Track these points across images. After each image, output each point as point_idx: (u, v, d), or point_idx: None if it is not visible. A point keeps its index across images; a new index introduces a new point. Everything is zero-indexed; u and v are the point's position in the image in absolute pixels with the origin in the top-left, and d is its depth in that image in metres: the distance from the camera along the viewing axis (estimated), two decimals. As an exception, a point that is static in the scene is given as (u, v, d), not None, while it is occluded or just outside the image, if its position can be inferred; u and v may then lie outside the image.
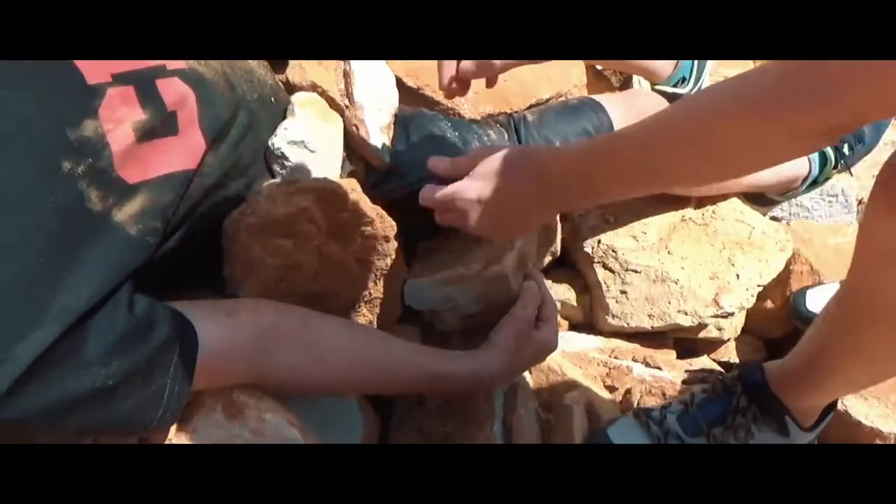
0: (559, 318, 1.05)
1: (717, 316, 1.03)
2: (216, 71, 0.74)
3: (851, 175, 1.22)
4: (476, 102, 1.05)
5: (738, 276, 1.03)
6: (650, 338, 1.06)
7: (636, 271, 1.03)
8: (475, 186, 0.71)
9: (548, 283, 1.01)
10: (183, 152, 0.67)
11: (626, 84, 1.42)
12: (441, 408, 0.81)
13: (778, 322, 1.12)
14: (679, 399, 0.85)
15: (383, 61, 1.11)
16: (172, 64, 0.69)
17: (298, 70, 1.06)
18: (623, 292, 1.03)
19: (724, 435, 0.80)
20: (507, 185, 0.70)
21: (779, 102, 0.51)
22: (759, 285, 1.05)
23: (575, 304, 1.08)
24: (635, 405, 0.94)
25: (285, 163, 0.78)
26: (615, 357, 1.02)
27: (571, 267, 1.11)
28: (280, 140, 0.78)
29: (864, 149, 1.17)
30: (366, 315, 0.79)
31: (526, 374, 0.91)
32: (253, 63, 0.83)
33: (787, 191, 1.15)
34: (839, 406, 0.90)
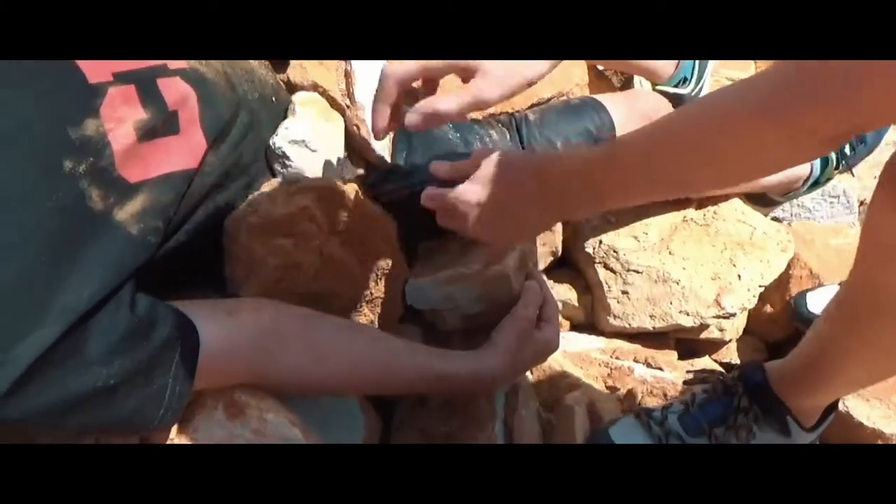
0: (560, 318, 1.05)
1: (718, 316, 1.02)
2: (217, 71, 0.74)
3: (853, 176, 1.22)
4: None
5: (739, 276, 1.03)
6: (651, 338, 1.06)
7: (637, 272, 1.02)
8: (475, 190, 0.71)
9: (549, 283, 1.01)
10: (184, 152, 0.67)
11: (627, 84, 1.42)
12: (442, 408, 0.81)
13: (779, 325, 1.11)
14: (680, 399, 0.84)
15: (384, 61, 1.11)
16: (174, 63, 0.69)
17: (300, 70, 1.06)
18: (624, 293, 1.03)
19: (725, 435, 0.80)
20: (507, 190, 0.70)
21: (784, 106, 0.51)
22: (760, 286, 1.04)
23: (576, 304, 1.08)
24: (636, 406, 0.94)
25: (286, 162, 0.78)
26: (616, 357, 1.02)
27: (573, 267, 1.11)
28: (281, 139, 0.78)
29: (865, 149, 1.17)
30: (367, 315, 0.79)
31: (527, 374, 0.91)
32: (254, 63, 0.83)
33: (788, 191, 1.15)
34: (840, 407, 0.90)
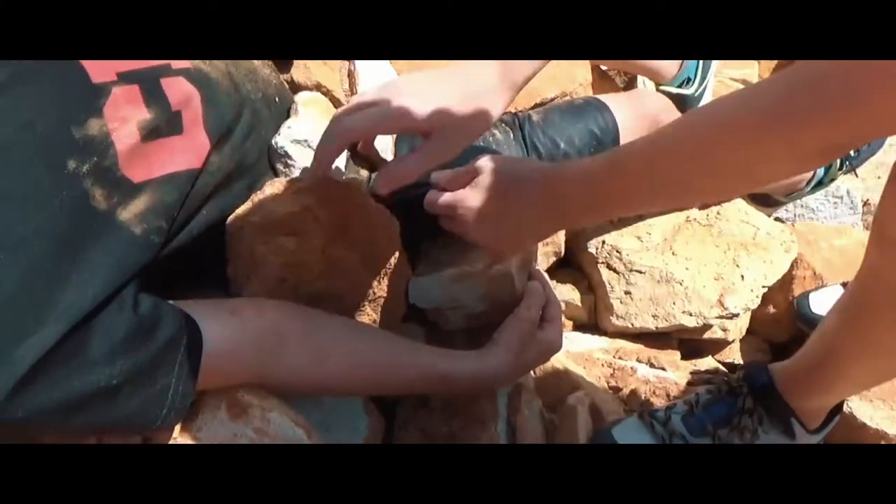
0: (563, 318, 1.05)
1: (721, 317, 1.02)
2: (221, 71, 0.74)
3: (857, 176, 1.22)
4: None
5: (742, 276, 1.03)
6: (654, 338, 1.06)
7: (640, 272, 1.02)
8: (476, 197, 0.71)
9: (552, 283, 1.01)
10: (188, 152, 0.67)
11: (630, 84, 1.42)
12: (444, 408, 0.81)
13: (782, 326, 1.11)
14: (684, 400, 0.84)
15: (387, 61, 1.11)
16: (177, 63, 0.69)
17: (303, 70, 1.07)
18: (627, 293, 1.03)
19: (728, 436, 0.79)
20: (508, 198, 0.70)
21: (785, 117, 0.51)
22: (763, 286, 1.04)
23: (579, 304, 1.08)
24: (640, 406, 0.94)
25: (288, 161, 0.78)
26: (619, 357, 1.02)
27: (576, 267, 1.11)
28: (283, 139, 0.78)
29: (869, 151, 1.17)
30: (369, 314, 0.79)
31: (530, 374, 0.91)
32: (257, 62, 0.83)
33: (792, 192, 1.15)
34: (843, 408, 0.89)
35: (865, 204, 1.29)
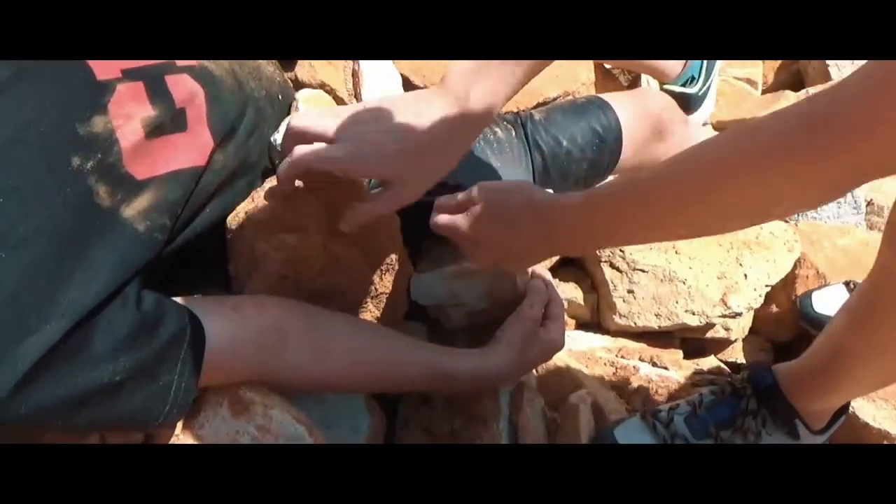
0: (566, 316, 1.05)
1: (724, 316, 1.02)
2: (225, 68, 0.74)
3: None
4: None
5: (745, 276, 1.02)
6: (657, 337, 1.06)
7: (643, 270, 1.02)
8: (470, 224, 0.72)
9: (554, 281, 1.01)
10: (192, 149, 0.67)
11: (634, 83, 1.42)
12: (446, 406, 0.81)
13: (784, 325, 1.11)
14: (687, 400, 0.84)
15: (390, 61, 1.11)
16: (182, 61, 0.69)
17: (308, 69, 1.07)
18: (630, 291, 1.03)
19: (731, 438, 0.79)
20: (499, 225, 0.71)
21: (790, 154, 0.50)
22: (766, 285, 1.04)
23: (582, 303, 1.08)
24: (642, 405, 0.94)
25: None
26: (622, 356, 1.02)
27: (578, 266, 1.11)
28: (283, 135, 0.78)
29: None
30: (371, 311, 0.79)
31: (532, 372, 0.91)
32: (261, 60, 0.83)
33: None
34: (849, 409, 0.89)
35: (869, 204, 1.28)
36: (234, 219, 0.71)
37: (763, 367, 0.82)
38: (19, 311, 0.52)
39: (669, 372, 0.99)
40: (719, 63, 1.40)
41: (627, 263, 1.03)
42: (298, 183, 0.70)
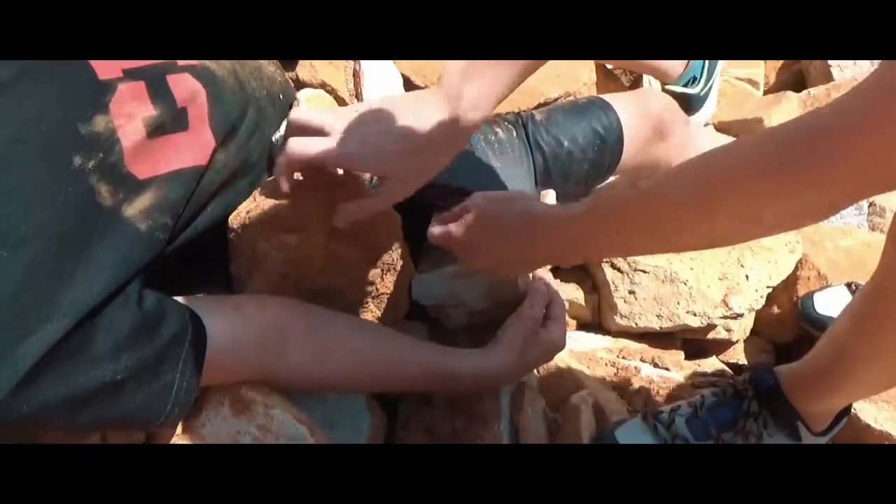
0: (567, 317, 1.05)
1: (726, 317, 1.02)
2: (226, 68, 0.74)
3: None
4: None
5: (747, 276, 1.02)
6: (658, 338, 1.06)
7: (645, 271, 1.02)
8: (463, 233, 0.73)
9: (556, 282, 1.01)
10: (193, 148, 0.67)
11: (636, 83, 1.42)
12: (447, 406, 0.81)
13: (786, 326, 1.11)
14: (688, 401, 0.84)
15: (391, 61, 1.11)
16: (183, 60, 0.69)
17: (309, 68, 1.07)
18: (631, 292, 1.03)
19: (733, 439, 0.79)
20: (490, 235, 0.73)
21: (780, 173, 0.51)
22: (768, 286, 1.04)
23: (583, 303, 1.08)
24: (643, 406, 0.94)
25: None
26: (623, 357, 1.02)
27: (579, 266, 1.11)
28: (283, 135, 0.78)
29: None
30: (372, 311, 0.79)
31: (533, 372, 0.91)
32: (262, 60, 0.83)
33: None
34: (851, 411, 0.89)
35: (871, 205, 1.28)
36: (236, 218, 0.71)
37: (764, 368, 0.82)
38: (20, 311, 0.52)
39: (671, 373, 0.99)
40: (721, 63, 1.40)
41: (629, 264, 1.03)
42: (297, 175, 0.70)
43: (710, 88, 1.36)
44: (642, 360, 1.01)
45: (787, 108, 1.37)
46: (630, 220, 0.63)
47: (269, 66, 0.85)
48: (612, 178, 1.07)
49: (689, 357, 1.06)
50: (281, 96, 0.84)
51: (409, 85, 1.14)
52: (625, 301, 1.03)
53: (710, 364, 1.05)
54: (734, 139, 0.58)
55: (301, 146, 0.66)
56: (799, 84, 1.62)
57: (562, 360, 0.96)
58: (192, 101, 0.68)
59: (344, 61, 1.08)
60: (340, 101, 1.05)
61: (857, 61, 1.52)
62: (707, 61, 1.34)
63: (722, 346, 1.09)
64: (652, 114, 1.04)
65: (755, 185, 0.52)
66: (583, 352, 1.02)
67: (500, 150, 0.95)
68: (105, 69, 0.63)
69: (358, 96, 1.06)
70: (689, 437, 0.80)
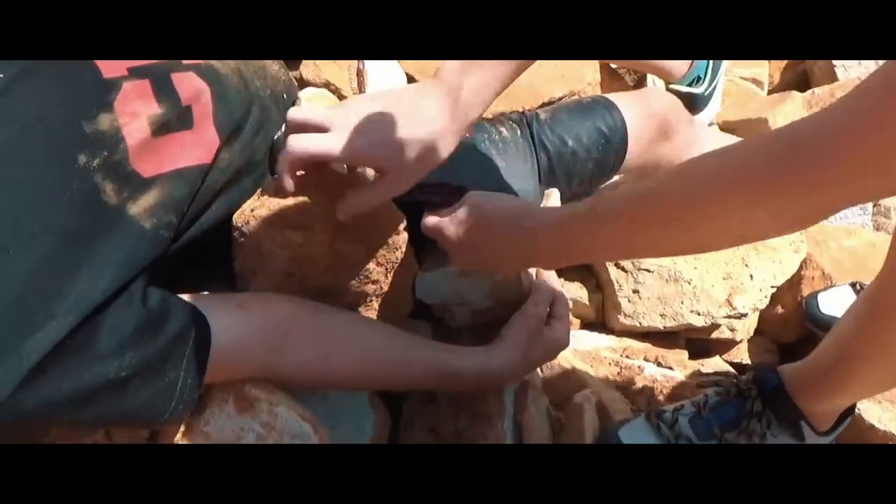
0: (571, 316, 1.05)
1: (730, 316, 1.02)
2: (230, 67, 0.74)
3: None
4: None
5: (751, 276, 1.02)
6: (662, 337, 1.05)
7: (649, 270, 1.02)
8: (453, 228, 0.74)
9: (560, 281, 1.01)
10: (197, 147, 0.67)
11: (640, 83, 1.42)
12: (451, 405, 0.81)
13: (790, 326, 1.11)
14: (692, 401, 0.84)
15: (395, 61, 1.11)
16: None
17: (313, 68, 1.07)
18: (635, 291, 1.03)
19: (736, 439, 0.79)
20: (476, 233, 0.73)
21: (763, 183, 0.51)
22: (772, 286, 1.04)
23: (587, 302, 1.08)
24: (647, 405, 0.94)
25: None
26: (627, 356, 1.02)
27: (583, 265, 1.11)
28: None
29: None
30: (376, 309, 0.79)
31: (537, 371, 0.91)
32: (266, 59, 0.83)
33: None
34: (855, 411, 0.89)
35: (876, 205, 1.28)
36: (240, 217, 0.71)
37: (768, 368, 0.82)
38: (26, 308, 0.52)
39: (674, 372, 0.99)
40: (725, 63, 1.40)
41: (633, 263, 1.03)
42: (300, 172, 0.70)
43: (714, 88, 1.35)
44: (646, 360, 1.01)
45: (792, 107, 1.36)
46: (632, 218, 0.63)
47: (273, 65, 0.85)
48: (616, 178, 1.07)
49: (692, 356, 1.06)
50: (285, 95, 0.84)
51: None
52: (629, 300, 1.03)
53: (714, 364, 1.05)
54: (739, 139, 0.58)
55: (302, 143, 0.66)
56: (803, 84, 1.62)
57: (565, 358, 0.96)
58: (197, 99, 0.68)
59: (347, 60, 1.08)
60: (344, 100, 1.05)
61: (862, 61, 1.52)
62: (711, 61, 1.33)
63: (726, 345, 1.09)
64: (656, 113, 1.04)
65: (760, 185, 0.52)
66: (586, 351, 1.02)
67: (503, 148, 0.95)
68: (110, 68, 0.63)
69: (362, 95, 1.06)
70: (693, 437, 0.80)
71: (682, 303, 1.01)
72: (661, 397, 0.95)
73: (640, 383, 0.97)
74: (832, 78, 1.55)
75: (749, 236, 0.63)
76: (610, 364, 1.00)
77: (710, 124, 1.39)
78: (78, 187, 0.58)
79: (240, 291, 0.74)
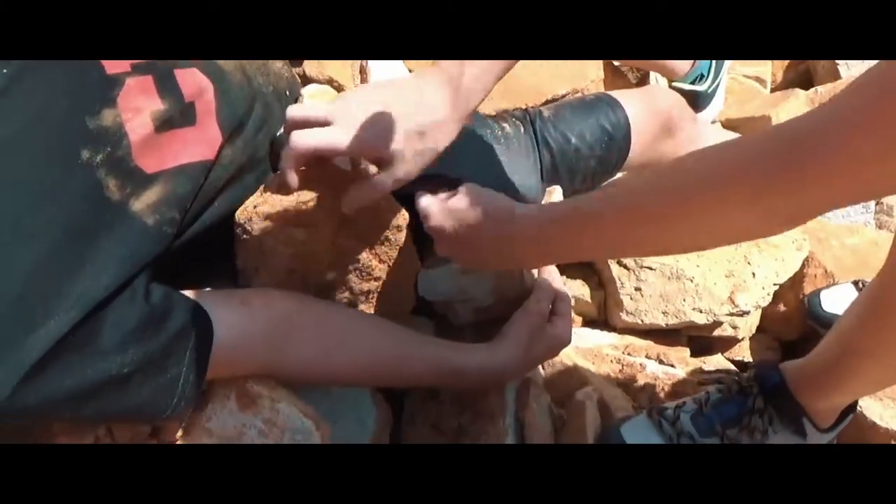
0: (573, 313, 1.05)
1: (732, 314, 1.02)
2: (233, 64, 0.74)
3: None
4: (491, 99, 1.05)
5: (753, 274, 1.02)
6: (664, 335, 1.05)
7: (651, 268, 1.02)
8: (443, 217, 0.74)
9: (562, 278, 1.01)
10: (200, 143, 0.67)
11: (643, 80, 1.42)
12: (453, 402, 0.81)
13: (792, 324, 1.11)
14: (694, 398, 0.84)
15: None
16: (190, 57, 0.69)
17: (316, 65, 1.07)
18: (637, 289, 1.03)
19: (738, 436, 0.79)
20: (465, 226, 0.73)
21: (761, 179, 0.52)
22: (774, 284, 1.04)
23: (589, 300, 1.08)
24: (648, 402, 0.94)
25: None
26: (629, 354, 1.02)
27: (586, 263, 1.11)
28: (288, 130, 0.78)
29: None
30: (379, 306, 0.79)
31: (539, 368, 0.91)
32: (268, 57, 0.83)
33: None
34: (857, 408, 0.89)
35: (878, 203, 1.28)
36: (243, 213, 0.72)
37: (770, 365, 0.82)
38: (28, 303, 0.53)
39: (676, 370, 0.99)
40: (728, 61, 1.40)
41: (635, 261, 1.03)
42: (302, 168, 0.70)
43: (717, 86, 1.35)
44: (648, 357, 1.01)
45: (795, 105, 1.36)
46: (632, 212, 0.63)
47: (276, 62, 0.85)
48: (619, 175, 1.07)
49: (694, 354, 1.06)
50: (287, 92, 0.84)
51: (415, 81, 1.14)
52: (631, 298, 1.03)
53: (716, 361, 1.05)
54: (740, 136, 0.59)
55: (306, 138, 0.66)
56: (806, 82, 1.62)
57: (567, 356, 0.96)
58: (200, 95, 0.68)
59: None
60: (343, 92, 1.05)
61: (865, 61, 1.52)
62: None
63: (728, 343, 1.09)
64: (660, 111, 1.04)
65: (757, 181, 0.52)
66: (588, 348, 1.02)
67: (506, 144, 0.95)
68: (113, 64, 0.63)
69: (364, 92, 1.06)
70: (694, 434, 0.80)
71: (684, 300, 1.01)
72: (662, 395, 0.95)
73: (641, 381, 0.97)
74: (835, 76, 1.55)
75: (743, 234, 0.63)
76: (612, 361, 1.00)
77: (713, 122, 1.39)
78: (81, 183, 0.58)
79: (243, 288, 0.74)
